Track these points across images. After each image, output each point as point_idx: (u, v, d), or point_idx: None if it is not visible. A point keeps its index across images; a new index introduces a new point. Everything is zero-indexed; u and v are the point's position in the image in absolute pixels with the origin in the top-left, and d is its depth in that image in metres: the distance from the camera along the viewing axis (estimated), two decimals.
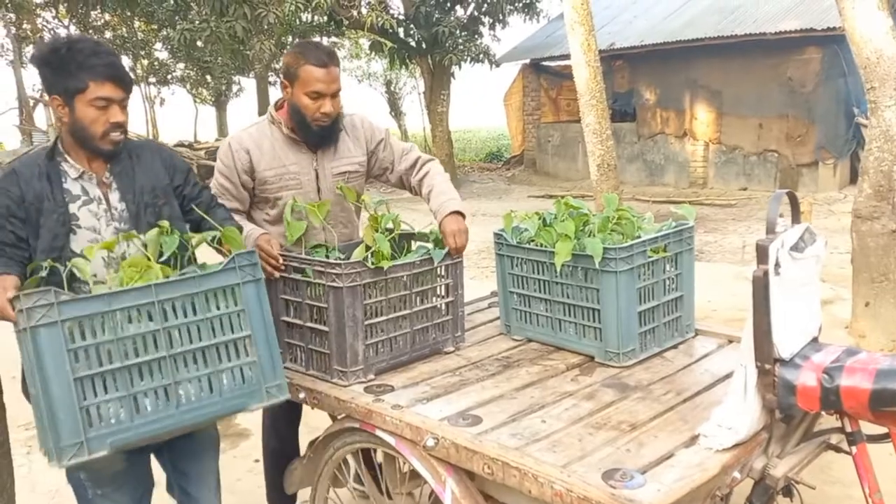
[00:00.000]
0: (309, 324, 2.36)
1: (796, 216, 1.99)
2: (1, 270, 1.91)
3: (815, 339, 1.99)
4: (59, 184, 2.05)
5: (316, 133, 2.55)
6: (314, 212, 2.46)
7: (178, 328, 1.86)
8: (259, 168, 2.56)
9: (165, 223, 2.02)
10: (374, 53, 17.31)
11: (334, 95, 2.51)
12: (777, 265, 1.76)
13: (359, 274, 2.25)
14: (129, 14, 18.09)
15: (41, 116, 17.54)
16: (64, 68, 1.97)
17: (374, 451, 2.33)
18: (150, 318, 1.82)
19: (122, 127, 2.06)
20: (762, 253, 1.75)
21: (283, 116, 2.60)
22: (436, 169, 2.78)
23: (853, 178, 11.11)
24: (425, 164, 2.78)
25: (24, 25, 17.78)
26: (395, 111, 26.74)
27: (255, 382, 1.99)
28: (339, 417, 2.33)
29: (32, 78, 23.37)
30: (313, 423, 3.09)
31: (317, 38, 14.18)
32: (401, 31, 14.68)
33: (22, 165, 2.06)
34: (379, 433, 2.10)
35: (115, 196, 2.12)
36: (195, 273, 1.92)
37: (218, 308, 1.92)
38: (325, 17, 13.39)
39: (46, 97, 2.12)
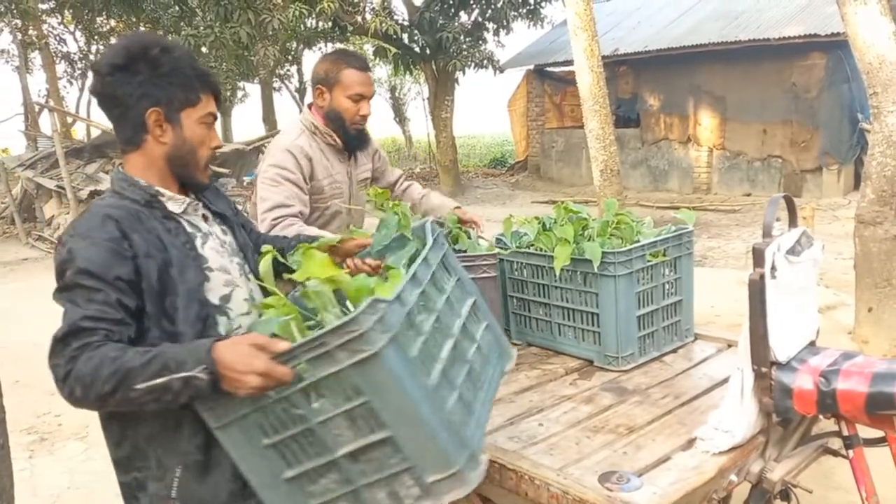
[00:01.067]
0: None
1: (793, 220, 2.00)
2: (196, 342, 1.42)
3: (812, 343, 1.99)
4: (175, 222, 1.62)
5: (354, 136, 2.61)
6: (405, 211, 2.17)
7: (445, 302, 1.62)
8: (318, 177, 2.60)
9: (269, 247, 1.68)
10: (378, 59, 17.35)
11: (370, 99, 2.60)
12: (773, 269, 1.77)
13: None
14: (134, 20, 18.19)
15: (46, 122, 17.61)
16: (173, 74, 1.57)
17: None
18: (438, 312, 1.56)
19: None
20: (758, 256, 1.76)
21: (324, 124, 2.62)
22: (418, 185, 3.04)
23: (857, 184, 11.08)
24: (408, 180, 3.03)
25: (30, 31, 17.87)
26: (400, 117, 26.82)
27: (499, 345, 1.84)
28: None
29: (38, 84, 23.51)
30: None
31: (321, 44, 14.24)
32: (405, 36, 14.72)
33: (114, 209, 1.53)
34: None
35: (216, 229, 1.74)
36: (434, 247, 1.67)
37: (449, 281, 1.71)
38: (330, 23, 13.46)
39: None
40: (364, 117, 2.58)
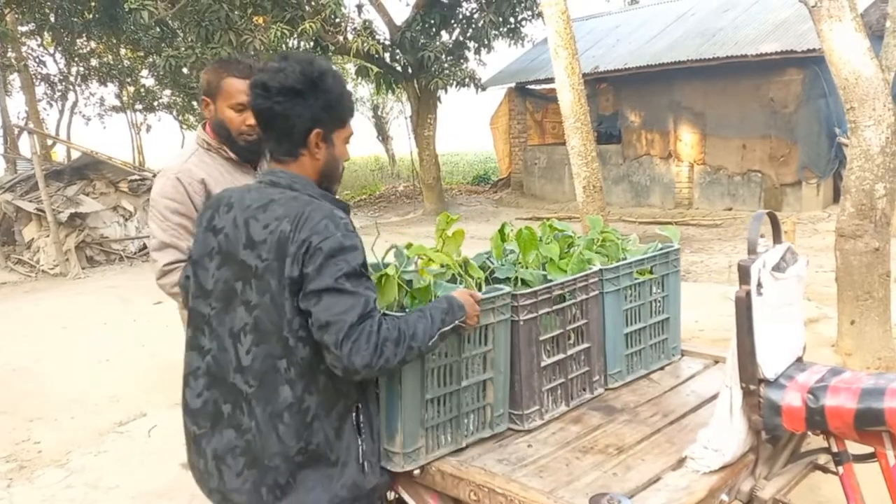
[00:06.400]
0: None
1: (777, 236, 2.00)
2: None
3: (799, 359, 1.99)
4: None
5: (243, 148, 2.46)
6: None
7: None
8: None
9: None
10: (360, 78, 17.39)
11: None
12: (759, 286, 1.77)
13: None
14: (114, 41, 18.12)
15: (25, 145, 17.47)
16: (339, 100, 1.78)
17: None
18: None
19: None
20: (744, 274, 1.75)
21: (214, 138, 2.50)
22: None
23: (836, 197, 11.20)
24: None
25: (9, 54, 17.75)
26: (383, 135, 26.86)
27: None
28: None
29: (17, 106, 23.33)
30: None
31: None
32: (387, 56, 14.77)
33: (337, 210, 1.74)
34: None
35: None
36: None
37: None
38: (311, 43, 13.47)
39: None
40: (251, 127, 2.35)
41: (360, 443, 1.76)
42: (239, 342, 1.71)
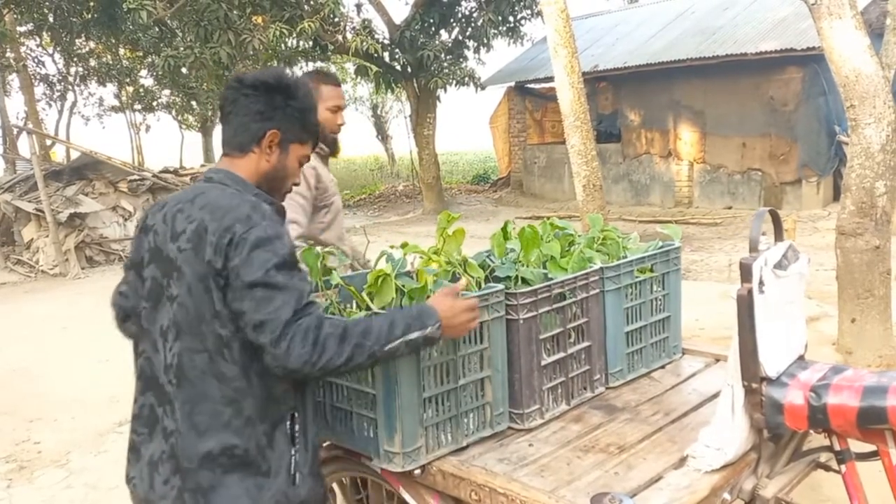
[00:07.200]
0: None
1: (779, 234, 1.99)
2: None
3: (801, 357, 1.98)
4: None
5: (332, 141, 2.93)
6: None
7: None
8: (323, 179, 2.89)
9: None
10: (359, 78, 17.39)
11: (343, 110, 2.98)
12: (761, 284, 1.76)
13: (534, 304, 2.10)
14: (113, 42, 18.11)
15: (24, 145, 17.45)
16: (303, 113, 1.80)
17: (360, 479, 2.29)
18: None
19: None
20: (746, 272, 1.75)
21: None
22: None
23: (836, 196, 11.20)
24: None
25: (8, 54, 17.73)
26: (382, 135, 26.88)
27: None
28: (323, 445, 2.30)
29: (16, 106, 23.29)
30: None
31: (302, 64, 14.27)
32: (386, 55, 14.76)
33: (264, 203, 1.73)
34: (365, 461, 2.06)
35: None
36: None
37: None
38: (311, 43, 13.47)
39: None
40: (341, 125, 2.93)
41: (293, 452, 1.68)
42: (166, 340, 1.65)
